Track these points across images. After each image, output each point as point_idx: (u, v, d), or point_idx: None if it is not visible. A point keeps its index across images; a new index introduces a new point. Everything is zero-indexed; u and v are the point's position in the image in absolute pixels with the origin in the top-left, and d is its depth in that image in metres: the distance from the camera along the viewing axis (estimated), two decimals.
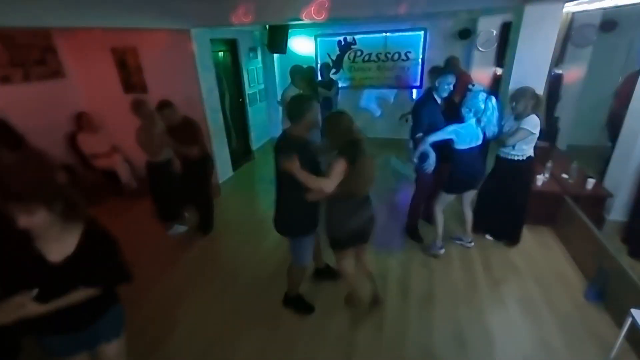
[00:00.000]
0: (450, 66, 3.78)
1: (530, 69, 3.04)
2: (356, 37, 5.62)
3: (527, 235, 3.23)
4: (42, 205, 1.20)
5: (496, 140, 2.88)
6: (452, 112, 2.84)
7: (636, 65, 3.27)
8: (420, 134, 2.78)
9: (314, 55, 5.94)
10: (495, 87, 4.44)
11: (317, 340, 2.32)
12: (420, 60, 5.55)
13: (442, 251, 3.05)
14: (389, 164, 5.11)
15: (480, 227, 3.38)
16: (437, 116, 2.81)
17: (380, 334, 2.34)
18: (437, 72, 2.82)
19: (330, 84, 4.90)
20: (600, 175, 3.19)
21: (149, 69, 4.19)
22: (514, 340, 2.25)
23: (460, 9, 3.18)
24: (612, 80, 3.67)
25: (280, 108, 4.22)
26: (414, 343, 2.26)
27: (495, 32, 4.78)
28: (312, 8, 3.21)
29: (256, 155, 5.94)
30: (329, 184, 1.92)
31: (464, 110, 2.61)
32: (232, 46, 5.10)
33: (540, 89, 2.94)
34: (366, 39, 5.64)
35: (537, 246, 3.16)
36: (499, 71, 4.63)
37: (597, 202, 3.10)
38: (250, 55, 5.57)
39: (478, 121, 2.61)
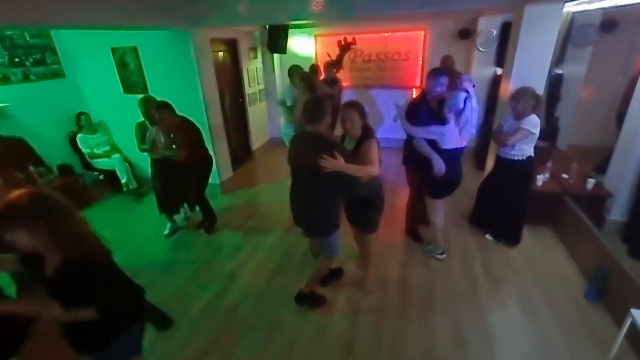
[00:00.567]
0: (443, 66, 3.75)
1: (530, 69, 3.04)
2: (356, 37, 5.62)
3: (527, 235, 3.22)
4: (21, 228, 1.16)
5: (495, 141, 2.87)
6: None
7: (636, 65, 3.27)
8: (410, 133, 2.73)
9: (314, 55, 5.94)
10: (496, 87, 4.45)
11: (317, 340, 2.32)
12: (420, 60, 5.56)
13: (443, 256, 3.03)
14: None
15: (480, 227, 3.38)
16: (427, 120, 2.68)
17: (380, 334, 2.34)
18: (430, 74, 2.77)
19: (333, 82, 4.90)
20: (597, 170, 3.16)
21: (149, 69, 4.20)
22: (514, 340, 2.25)
23: (460, 8, 3.17)
24: (612, 80, 3.67)
25: (280, 108, 4.21)
26: (414, 343, 2.26)
27: (495, 32, 4.79)
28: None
29: (256, 155, 5.94)
30: (375, 168, 2.04)
31: (445, 110, 2.57)
32: (232, 46, 5.10)
33: (540, 89, 2.94)
34: (366, 39, 5.64)
35: (537, 246, 3.16)
36: (499, 71, 4.63)
37: (597, 202, 3.09)
38: (250, 55, 5.57)
39: (457, 121, 2.55)
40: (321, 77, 4.86)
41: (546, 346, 2.19)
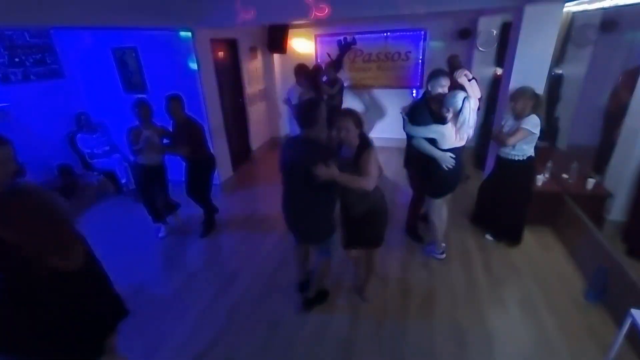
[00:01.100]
0: (450, 65, 3.75)
1: (530, 69, 3.03)
2: (356, 37, 5.62)
3: (527, 235, 3.22)
4: None
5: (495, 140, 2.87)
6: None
7: (636, 64, 3.26)
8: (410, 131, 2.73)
9: (314, 55, 5.94)
10: (496, 87, 4.45)
11: (317, 340, 2.32)
12: (420, 60, 5.56)
13: (443, 256, 3.03)
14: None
15: (480, 227, 3.38)
16: (427, 120, 2.68)
17: (380, 334, 2.34)
18: (430, 76, 2.77)
19: (334, 82, 4.91)
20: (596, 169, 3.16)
21: (149, 69, 4.19)
22: (514, 340, 2.25)
23: (460, 8, 3.17)
24: (612, 80, 3.66)
25: (286, 107, 4.22)
26: (414, 343, 2.26)
27: (495, 32, 4.78)
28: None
29: (256, 155, 5.94)
30: (372, 180, 1.92)
31: (443, 110, 2.57)
32: (232, 46, 5.10)
33: (540, 89, 2.94)
34: (366, 39, 5.64)
35: (537, 246, 3.16)
36: (499, 71, 4.63)
37: (596, 202, 3.09)
38: (250, 55, 5.57)
39: (455, 121, 2.54)
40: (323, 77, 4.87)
41: (546, 346, 2.19)
